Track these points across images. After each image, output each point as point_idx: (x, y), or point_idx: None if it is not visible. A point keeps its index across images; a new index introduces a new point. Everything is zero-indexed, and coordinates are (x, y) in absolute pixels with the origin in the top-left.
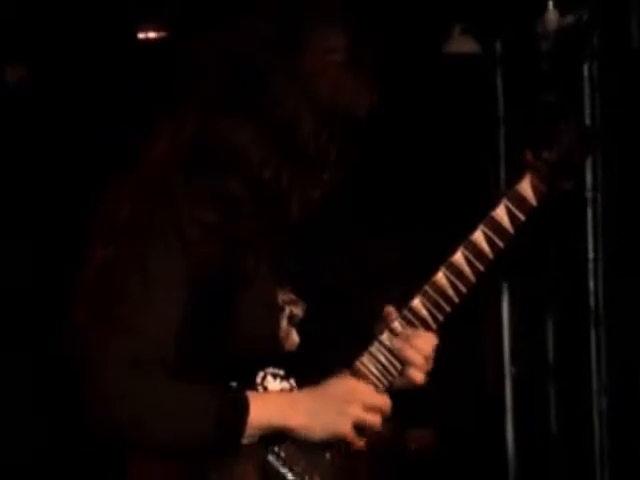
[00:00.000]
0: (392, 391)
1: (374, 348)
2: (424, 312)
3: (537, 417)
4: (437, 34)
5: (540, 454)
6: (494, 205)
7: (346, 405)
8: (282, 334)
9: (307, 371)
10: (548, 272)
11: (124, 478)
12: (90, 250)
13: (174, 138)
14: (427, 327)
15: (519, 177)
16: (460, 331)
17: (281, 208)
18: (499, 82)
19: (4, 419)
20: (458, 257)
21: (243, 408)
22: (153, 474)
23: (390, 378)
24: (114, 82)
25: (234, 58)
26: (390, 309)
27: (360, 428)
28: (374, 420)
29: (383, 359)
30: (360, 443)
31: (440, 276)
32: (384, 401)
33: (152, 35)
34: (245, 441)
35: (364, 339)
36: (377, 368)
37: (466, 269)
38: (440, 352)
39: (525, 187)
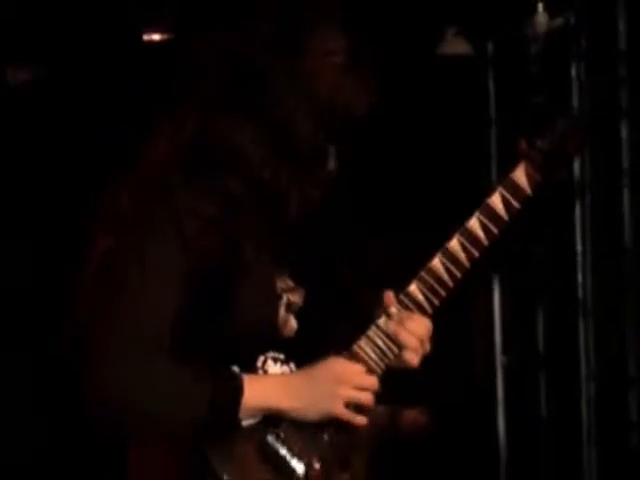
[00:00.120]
0: (388, 372)
1: (371, 332)
2: (420, 297)
3: (528, 403)
4: (431, 36)
5: (530, 439)
6: (489, 193)
7: (336, 386)
8: (280, 321)
9: (307, 355)
10: (538, 265)
11: (124, 471)
12: (91, 246)
13: (174, 138)
14: (423, 312)
15: (514, 166)
16: (452, 322)
17: (280, 207)
18: (491, 83)
19: (4, 419)
20: (454, 243)
21: (238, 389)
22: (153, 457)
23: (387, 361)
24: (119, 83)
25: (234, 58)
26: (388, 293)
27: (356, 407)
28: (365, 398)
29: (380, 343)
30: (360, 420)
31: (436, 262)
32: (372, 380)
33: (156, 37)
34: (243, 422)
35: (363, 324)
36: (374, 351)
37: (461, 255)
38: (434, 341)
39: (519, 175)
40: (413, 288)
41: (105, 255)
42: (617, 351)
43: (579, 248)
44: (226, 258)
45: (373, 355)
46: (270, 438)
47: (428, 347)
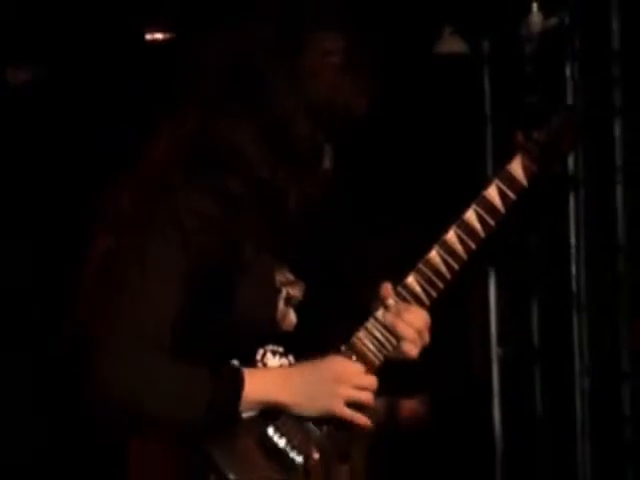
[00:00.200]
0: (385, 364)
1: (370, 324)
2: (418, 289)
3: (523, 396)
4: (428, 35)
5: (525, 431)
6: (485, 185)
7: (336, 385)
8: (279, 315)
9: (306, 348)
10: (533, 258)
11: (124, 471)
12: (91, 245)
13: (174, 138)
14: (421, 303)
15: (510, 158)
16: (449, 315)
17: (279, 205)
18: (486, 81)
19: (4, 419)
20: (451, 236)
21: (238, 383)
22: (154, 454)
23: (385, 352)
24: (120, 83)
25: (235, 58)
26: (386, 285)
27: (358, 406)
28: (365, 397)
29: (378, 334)
30: (359, 419)
31: (433, 254)
32: (372, 380)
33: (160, 36)
34: (244, 415)
35: (362, 317)
36: (373, 343)
37: (458, 247)
38: (432, 334)
39: (516, 167)
40: (411, 280)
41: (105, 255)
42: (611, 346)
43: (573, 242)
44: (226, 257)
45: (371, 347)
46: (270, 431)
47: (427, 338)
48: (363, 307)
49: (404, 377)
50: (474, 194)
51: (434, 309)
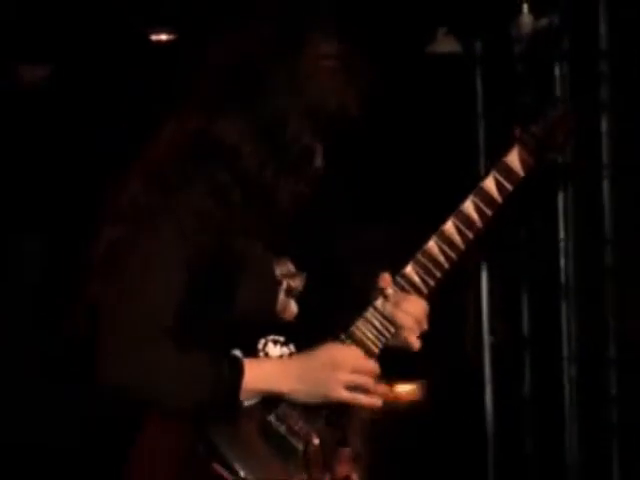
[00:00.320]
0: (386, 351)
1: (369, 313)
2: (416, 278)
3: (513, 382)
4: (422, 36)
5: (516, 414)
6: (483, 177)
7: (335, 371)
8: (280, 306)
9: (307, 338)
10: (523, 252)
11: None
12: (96, 239)
13: (174, 137)
14: (419, 292)
15: (507, 150)
16: (445, 306)
17: (276, 202)
18: (478, 80)
19: (6, 416)
20: (449, 226)
21: (238, 371)
22: (157, 441)
23: (384, 340)
24: (124, 83)
25: (235, 59)
26: (385, 275)
27: (358, 389)
28: (365, 381)
29: (377, 324)
30: (365, 399)
31: (432, 244)
32: (371, 364)
33: (164, 37)
34: (245, 403)
35: (362, 308)
36: (372, 332)
37: (456, 238)
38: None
39: (513, 159)
40: (409, 270)
41: (110, 248)
42: (597, 333)
43: (562, 235)
44: (224, 253)
45: (370, 335)
46: (271, 417)
47: (425, 326)
48: (363, 297)
49: (401, 362)
50: (467, 189)
51: (433, 303)
